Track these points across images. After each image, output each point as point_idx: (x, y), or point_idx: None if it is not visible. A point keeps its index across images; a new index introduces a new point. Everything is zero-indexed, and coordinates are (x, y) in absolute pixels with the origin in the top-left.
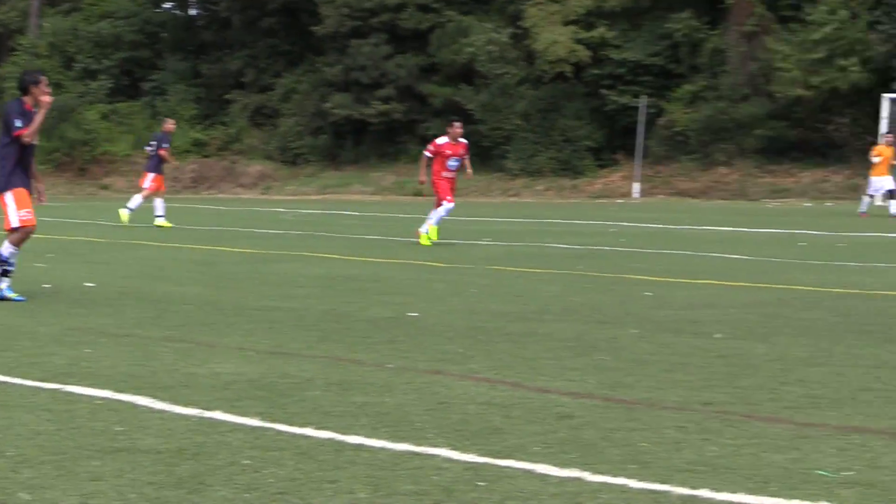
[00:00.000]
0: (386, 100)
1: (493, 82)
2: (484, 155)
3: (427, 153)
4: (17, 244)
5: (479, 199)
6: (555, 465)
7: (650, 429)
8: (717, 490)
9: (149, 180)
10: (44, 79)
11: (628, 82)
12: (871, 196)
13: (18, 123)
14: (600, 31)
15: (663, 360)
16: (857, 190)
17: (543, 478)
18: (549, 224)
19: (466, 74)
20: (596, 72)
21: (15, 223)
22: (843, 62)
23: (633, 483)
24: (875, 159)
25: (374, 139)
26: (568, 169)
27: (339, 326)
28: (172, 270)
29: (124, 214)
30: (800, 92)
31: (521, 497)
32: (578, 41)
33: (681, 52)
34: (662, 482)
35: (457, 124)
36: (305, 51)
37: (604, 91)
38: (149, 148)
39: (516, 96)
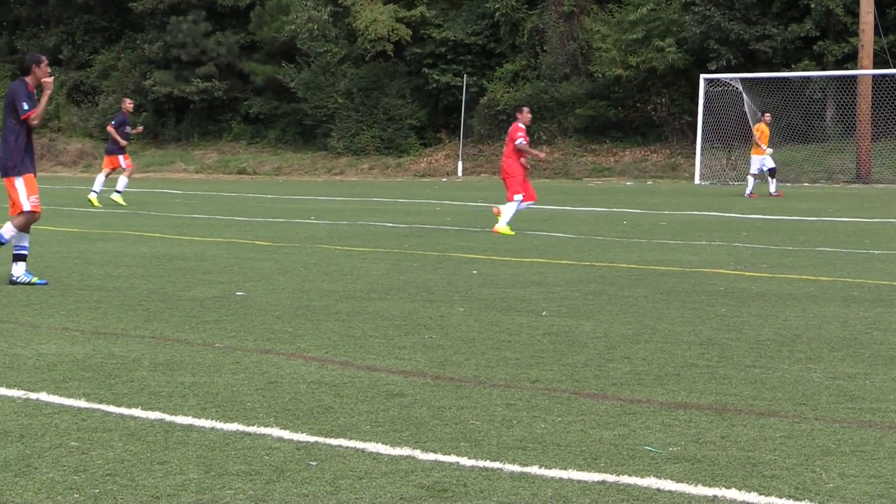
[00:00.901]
0: (207, 77)
1: (315, 60)
2: (307, 134)
3: (526, 139)
4: (21, 228)
5: (303, 178)
6: (386, 443)
7: (480, 406)
8: (548, 467)
9: (122, 162)
10: (44, 59)
11: (450, 61)
12: (754, 175)
13: (26, 106)
14: (420, 10)
15: (491, 338)
16: (678, 168)
17: (375, 456)
18: (374, 203)
19: (288, 52)
20: (417, 51)
21: (27, 207)
22: (659, 43)
23: (465, 461)
24: (763, 143)
25: (195, 117)
26: (392, 148)
27: (165, 306)
28: None
29: (118, 198)
30: (618, 72)
31: (354, 476)
32: (399, 20)
33: (501, 32)
34: (493, 459)
35: (526, 109)
36: (124, 27)
37: (426, 70)
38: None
39: (338, 75)
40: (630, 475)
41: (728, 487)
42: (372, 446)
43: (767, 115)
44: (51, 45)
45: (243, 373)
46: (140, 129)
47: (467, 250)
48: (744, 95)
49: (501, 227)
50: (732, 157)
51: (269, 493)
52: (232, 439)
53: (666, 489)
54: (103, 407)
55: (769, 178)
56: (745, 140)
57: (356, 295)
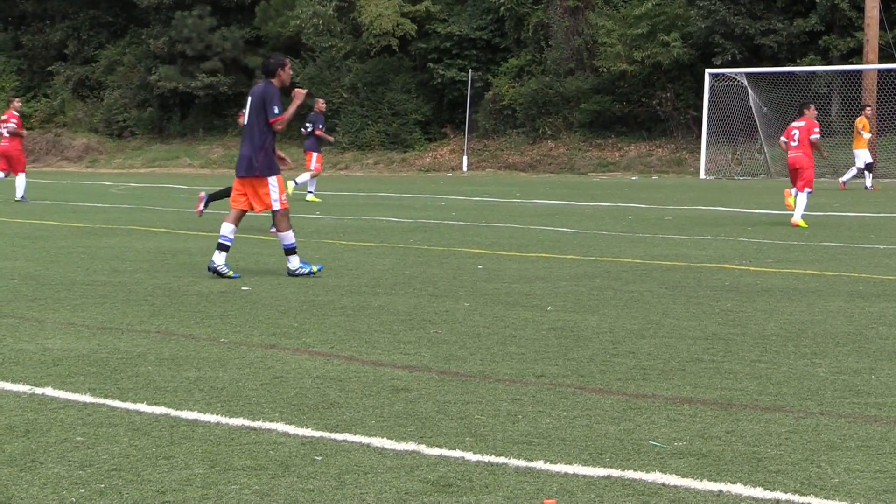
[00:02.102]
0: (212, 72)
1: (320, 55)
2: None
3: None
4: (282, 228)
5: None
6: (391, 438)
7: (485, 401)
8: (553, 462)
9: (314, 161)
10: (288, 62)
11: (455, 56)
12: (860, 169)
13: (276, 110)
14: (425, 5)
15: (496, 333)
16: (683, 163)
17: (380, 451)
18: (379, 197)
19: (293, 47)
20: (422, 46)
21: (277, 207)
22: (664, 38)
23: (470, 456)
24: (865, 134)
25: (200, 112)
26: (397, 143)
27: (171, 301)
28: None
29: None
30: (623, 67)
31: (359, 471)
32: (404, 14)
33: (506, 27)
34: (499, 454)
35: (812, 106)
36: (129, 22)
37: (431, 65)
38: (305, 129)
39: (343, 69)
40: (635, 470)
41: (733, 482)
42: (377, 441)
43: (868, 108)
44: (56, 41)
45: (248, 368)
46: (332, 139)
47: (472, 245)
48: (749, 90)
49: (798, 219)
50: (738, 152)
51: (275, 487)
52: (237, 434)
53: (671, 484)
54: (109, 402)
55: (865, 173)
56: (751, 135)
57: (361, 290)
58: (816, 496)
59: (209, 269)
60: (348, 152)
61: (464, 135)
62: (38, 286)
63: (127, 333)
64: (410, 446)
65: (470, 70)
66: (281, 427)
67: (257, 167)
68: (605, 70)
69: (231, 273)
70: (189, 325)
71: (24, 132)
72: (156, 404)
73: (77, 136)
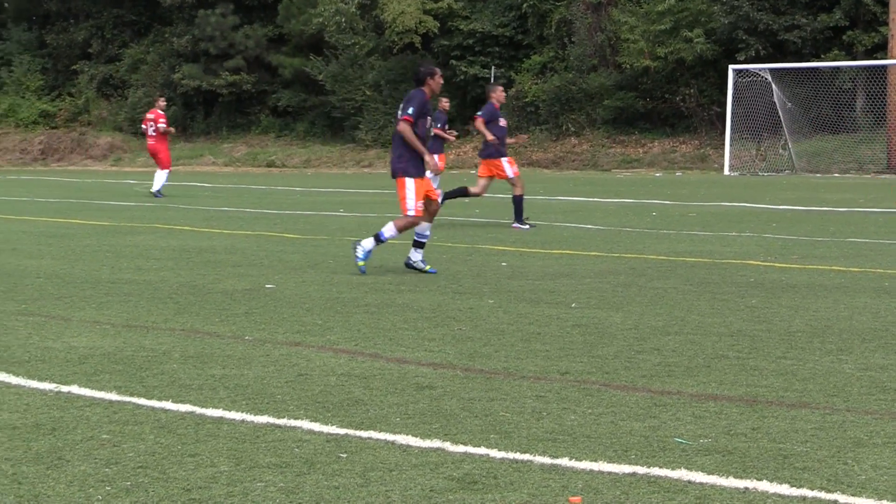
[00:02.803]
0: (235, 70)
1: (343, 53)
2: (336, 126)
3: None
4: (401, 230)
5: (331, 171)
6: (416, 435)
7: (510, 398)
8: (578, 459)
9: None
10: (439, 71)
11: (477, 53)
12: None
13: (410, 110)
14: (447, 2)
15: (521, 330)
16: (707, 160)
17: (405, 448)
18: None
19: (316, 45)
20: (445, 43)
21: (411, 212)
22: (688, 33)
23: (495, 453)
24: None
25: (224, 110)
26: None
27: (195, 299)
28: (24, 243)
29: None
30: (647, 63)
31: (384, 468)
32: (426, 12)
33: (529, 23)
34: (524, 451)
35: None
36: (152, 21)
37: (453, 62)
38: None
39: (366, 67)
40: (661, 467)
41: (759, 479)
42: (402, 438)
43: None
44: (80, 40)
45: (273, 365)
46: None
47: (496, 242)
48: (773, 86)
49: None
50: (762, 148)
51: (300, 485)
52: (262, 432)
53: (697, 481)
54: (134, 400)
55: None
56: (775, 131)
57: (385, 287)
58: (843, 493)
59: (406, 265)
60: (371, 150)
61: None
62: (64, 284)
63: (152, 331)
64: (435, 443)
65: (493, 67)
66: (306, 424)
67: (399, 169)
68: (628, 66)
69: (428, 268)
70: (214, 322)
71: (173, 129)
72: (181, 402)
73: (101, 135)
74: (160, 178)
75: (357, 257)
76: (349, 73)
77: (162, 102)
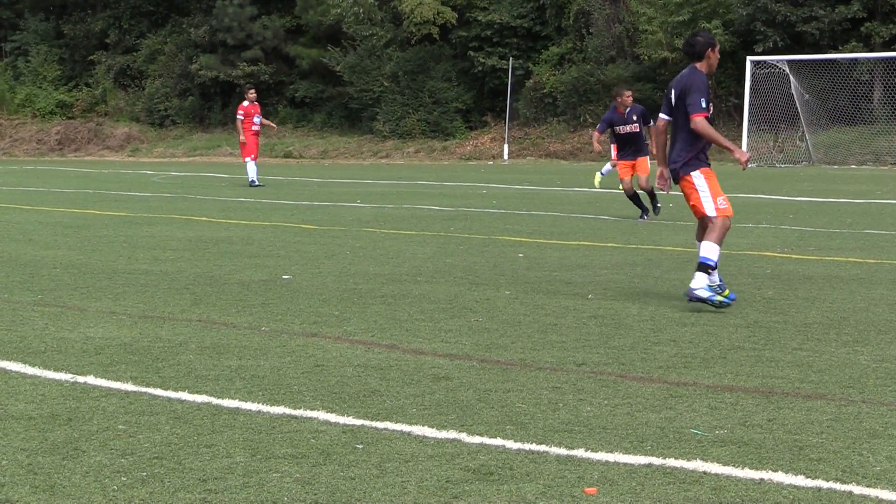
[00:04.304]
0: (253, 61)
1: (361, 44)
2: (353, 117)
3: None
4: (719, 241)
5: (349, 162)
6: (432, 426)
7: (526, 389)
8: (594, 450)
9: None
10: (717, 43)
11: (496, 44)
12: None
13: (703, 103)
14: None
15: (537, 321)
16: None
17: (421, 439)
18: (420, 186)
19: (333, 36)
20: (463, 34)
21: (711, 213)
22: (706, 25)
23: (511, 444)
24: None
25: (242, 100)
26: (437, 131)
27: (212, 289)
28: (40, 234)
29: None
30: (665, 54)
31: (400, 459)
32: (444, 3)
33: (547, 14)
34: (540, 442)
35: None
36: (170, 11)
37: (471, 53)
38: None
39: (384, 58)
40: (676, 458)
41: (775, 470)
42: (418, 429)
43: None
44: (97, 30)
45: (289, 356)
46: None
47: (513, 233)
48: (790, 78)
49: None
50: (779, 140)
51: (316, 476)
52: (278, 422)
53: (712, 472)
54: (150, 390)
55: None
56: (792, 122)
57: (402, 278)
58: (858, 484)
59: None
60: (389, 140)
61: (504, 123)
62: (80, 275)
63: (168, 322)
64: (451, 434)
65: (511, 58)
66: (322, 415)
67: (681, 164)
68: (646, 58)
69: (721, 298)
70: (230, 313)
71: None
72: (197, 393)
73: (118, 126)
74: (252, 167)
75: (707, 300)
76: (367, 64)
77: (252, 94)
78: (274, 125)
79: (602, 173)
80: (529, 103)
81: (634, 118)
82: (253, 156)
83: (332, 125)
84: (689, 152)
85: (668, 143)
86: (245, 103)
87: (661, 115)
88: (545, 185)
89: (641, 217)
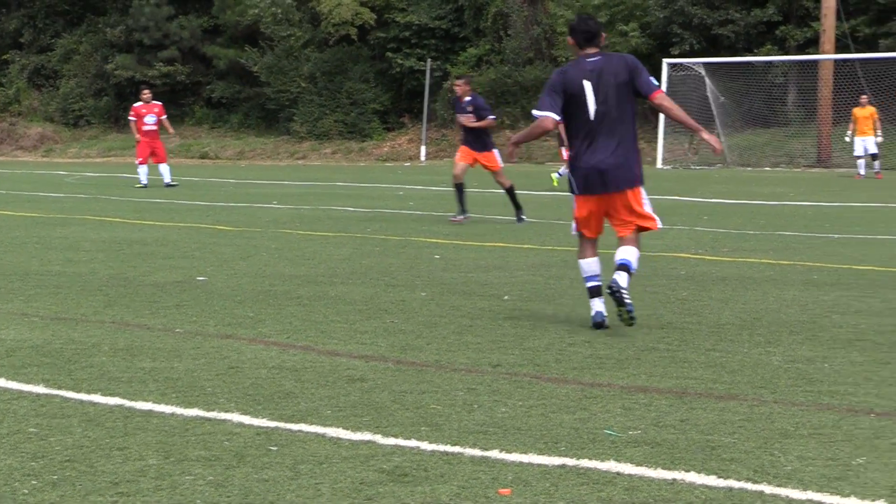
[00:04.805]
0: (170, 61)
1: (278, 45)
2: (270, 118)
3: None
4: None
5: (265, 163)
6: (347, 428)
7: (441, 391)
8: (508, 451)
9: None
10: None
11: (413, 45)
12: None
13: (655, 80)
14: None
15: (453, 323)
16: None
17: (336, 441)
18: (337, 187)
19: (251, 36)
20: (381, 35)
21: (660, 222)
22: (623, 27)
23: (425, 445)
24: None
25: (158, 101)
26: (355, 132)
27: (126, 291)
28: None
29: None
30: None
31: (314, 461)
32: (363, 4)
33: (465, 16)
34: (454, 444)
35: None
36: (85, 10)
37: (389, 54)
38: None
39: (302, 59)
40: (590, 459)
41: (687, 471)
42: (333, 431)
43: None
44: (11, 29)
45: (204, 358)
46: None
47: (430, 235)
48: (706, 80)
49: None
50: (695, 142)
51: (229, 478)
52: (192, 425)
53: (626, 473)
54: (62, 393)
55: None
56: (708, 124)
57: (318, 279)
58: (769, 484)
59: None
60: (306, 141)
61: (422, 124)
62: None
63: (81, 324)
64: (366, 436)
65: (429, 59)
66: (236, 417)
67: (638, 175)
68: (564, 59)
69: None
70: (144, 315)
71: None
72: (110, 395)
73: (32, 125)
74: (167, 169)
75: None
76: (284, 65)
77: (146, 95)
78: (171, 128)
79: (559, 174)
80: (447, 105)
81: (469, 109)
82: (141, 160)
83: (248, 126)
84: (638, 156)
85: (586, 143)
86: (137, 104)
87: (552, 115)
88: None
89: (459, 216)
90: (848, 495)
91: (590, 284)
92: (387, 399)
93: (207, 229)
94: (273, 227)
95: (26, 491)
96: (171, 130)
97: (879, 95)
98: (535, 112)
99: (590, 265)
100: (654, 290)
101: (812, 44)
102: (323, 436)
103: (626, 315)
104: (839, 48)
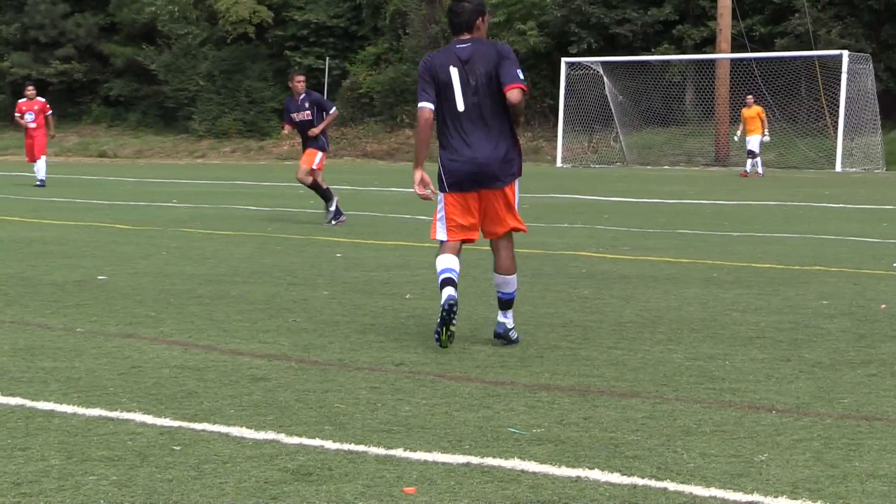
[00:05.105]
0: (66, 59)
1: (176, 42)
2: (169, 116)
3: None
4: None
5: (165, 161)
6: (250, 427)
7: (345, 390)
8: (413, 449)
9: None
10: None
11: (312, 44)
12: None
13: (522, 74)
14: None
15: (356, 321)
16: (539, 152)
17: (239, 440)
18: (237, 186)
19: (148, 34)
20: (279, 33)
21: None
22: (521, 26)
23: (330, 444)
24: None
25: (55, 99)
26: (254, 130)
27: (25, 290)
28: None
29: None
30: None
31: (218, 460)
32: (260, 2)
33: (363, 15)
34: (358, 442)
35: None
36: None
37: (288, 52)
38: None
39: (199, 57)
40: (494, 457)
41: (591, 468)
42: (236, 430)
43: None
44: None
45: (105, 357)
46: None
47: (331, 234)
48: (605, 79)
49: None
50: (594, 141)
51: (133, 478)
52: (94, 425)
53: (530, 470)
54: None
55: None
56: (607, 124)
57: (219, 279)
58: (672, 481)
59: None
60: (205, 140)
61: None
62: None
63: None
64: (270, 435)
65: (327, 58)
66: (139, 417)
67: (517, 170)
68: None
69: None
70: (44, 314)
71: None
72: (11, 395)
73: None
74: (42, 166)
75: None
76: (182, 63)
77: (30, 91)
78: (52, 128)
79: None
80: (346, 103)
81: (307, 105)
82: (28, 158)
83: (147, 124)
84: (513, 151)
85: (457, 136)
86: (21, 100)
87: (426, 105)
88: (363, 185)
89: (332, 219)
90: (751, 492)
91: (443, 276)
92: (290, 398)
93: (107, 228)
94: (173, 226)
95: None
96: (51, 130)
97: (776, 94)
98: (418, 106)
99: (448, 262)
100: (555, 289)
101: (709, 43)
102: (227, 435)
103: (444, 338)
104: (735, 47)
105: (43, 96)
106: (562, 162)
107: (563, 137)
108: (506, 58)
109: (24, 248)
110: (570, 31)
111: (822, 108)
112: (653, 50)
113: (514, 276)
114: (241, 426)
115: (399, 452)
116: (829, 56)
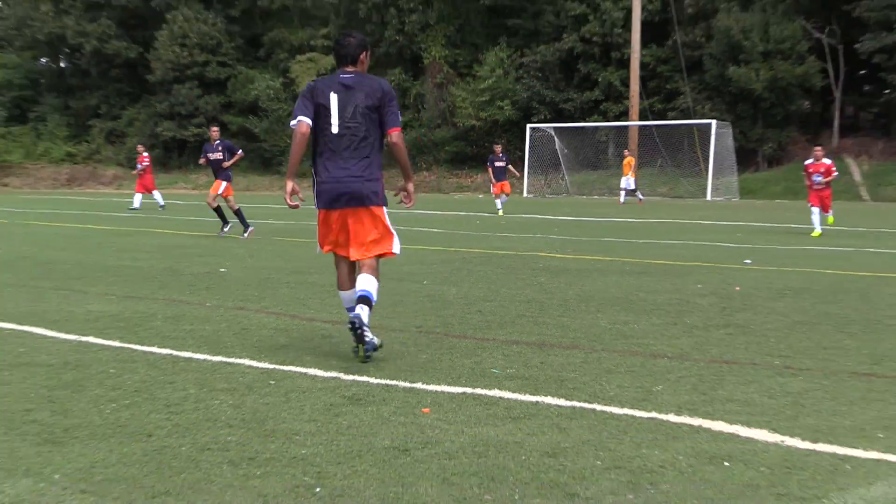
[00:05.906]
0: (199, 125)
1: (272, 114)
2: (266, 164)
3: None
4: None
5: (263, 193)
6: (321, 368)
7: (383, 344)
8: (427, 383)
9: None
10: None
11: None
12: (625, 190)
13: (399, 117)
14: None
15: (390, 299)
16: (514, 187)
17: (313, 377)
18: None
19: (253, 108)
20: None
21: (398, 249)
22: (500, 103)
23: (373, 379)
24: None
25: (191, 152)
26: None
27: (173, 278)
28: (54, 242)
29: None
30: (473, 122)
31: (299, 390)
32: None
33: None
34: (392, 378)
35: (817, 148)
36: (142, 91)
37: None
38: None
39: (287, 123)
40: (482, 388)
41: (545, 396)
42: (312, 371)
43: (627, 150)
44: (93, 104)
45: (225, 322)
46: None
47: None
48: (555, 138)
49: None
50: (548, 179)
51: (243, 402)
52: (218, 367)
53: (505, 397)
54: (132, 346)
55: (624, 193)
56: (556, 168)
57: (300, 270)
58: (599, 404)
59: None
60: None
61: None
62: (83, 269)
63: (143, 300)
64: (333, 374)
65: None
66: (247, 362)
67: (381, 196)
68: (461, 124)
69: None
70: (185, 294)
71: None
72: (163, 347)
73: (108, 169)
74: (140, 199)
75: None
76: (276, 128)
77: (140, 147)
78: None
79: (499, 207)
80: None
81: (220, 148)
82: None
83: (252, 169)
84: (380, 175)
85: (331, 157)
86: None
87: (303, 119)
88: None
89: (243, 230)
90: (650, 410)
91: (348, 308)
92: (347, 349)
93: (227, 237)
94: (270, 236)
95: (108, 411)
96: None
97: (668, 148)
98: (291, 123)
99: (350, 297)
100: (522, 277)
101: (624, 115)
102: (305, 374)
103: (362, 353)
104: (642, 117)
105: (184, 150)
106: (527, 193)
107: (529, 177)
108: (392, 100)
109: (173, 251)
110: (532, 106)
111: (698, 157)
112: (587, 119)
113: (374, 279)
114: (315, 368)
115: (419, 385)
116: (703, 124)
